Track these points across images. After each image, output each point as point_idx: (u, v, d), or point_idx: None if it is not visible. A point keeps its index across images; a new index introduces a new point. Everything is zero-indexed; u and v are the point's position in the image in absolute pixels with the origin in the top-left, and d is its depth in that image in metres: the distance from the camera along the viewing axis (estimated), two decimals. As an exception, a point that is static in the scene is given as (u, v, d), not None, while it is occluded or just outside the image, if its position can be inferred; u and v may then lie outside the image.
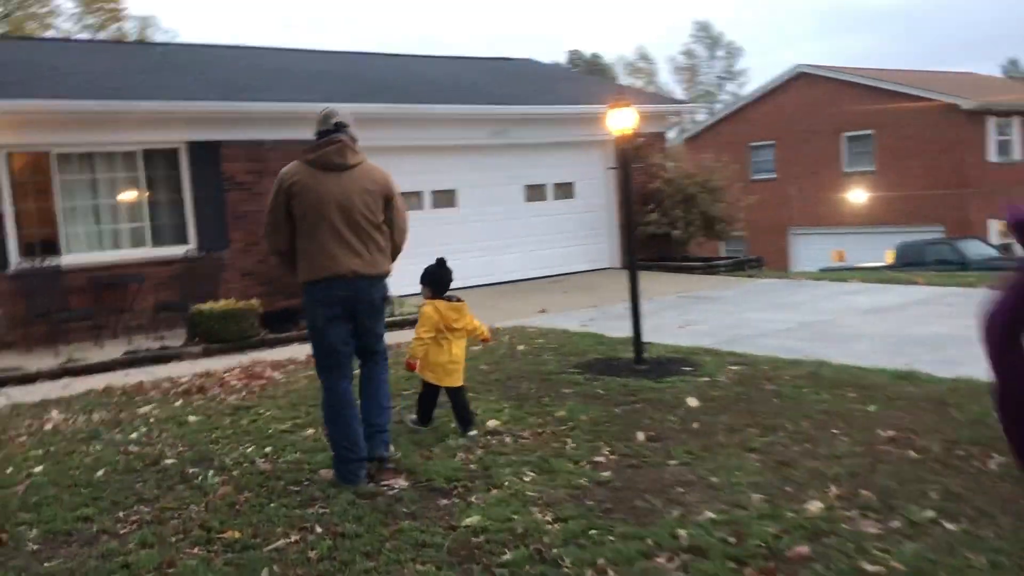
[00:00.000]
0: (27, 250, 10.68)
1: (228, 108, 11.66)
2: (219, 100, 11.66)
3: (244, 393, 7.20)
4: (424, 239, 13.53)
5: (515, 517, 4.10)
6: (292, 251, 4.71)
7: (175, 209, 11.67)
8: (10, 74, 11.47)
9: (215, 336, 9.42)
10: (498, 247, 14.56)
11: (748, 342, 8.29)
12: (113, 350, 9.78)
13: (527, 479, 4.67)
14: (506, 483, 4.60)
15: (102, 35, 31.81)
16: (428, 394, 5.61)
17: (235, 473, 5.02)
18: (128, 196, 11.42)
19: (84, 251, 11.06)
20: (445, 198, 14.17)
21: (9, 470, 5.35)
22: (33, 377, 8.44)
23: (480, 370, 7.48)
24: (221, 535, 4.08)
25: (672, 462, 4.86)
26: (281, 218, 4.64)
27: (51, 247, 10.83)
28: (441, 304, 5.36)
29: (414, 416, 5.77)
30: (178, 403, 6.99)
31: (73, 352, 9.67)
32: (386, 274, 4.79)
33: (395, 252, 4.88)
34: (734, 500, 4.23)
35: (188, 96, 11.62)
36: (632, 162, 7.36)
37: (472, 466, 4.91)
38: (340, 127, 4.64)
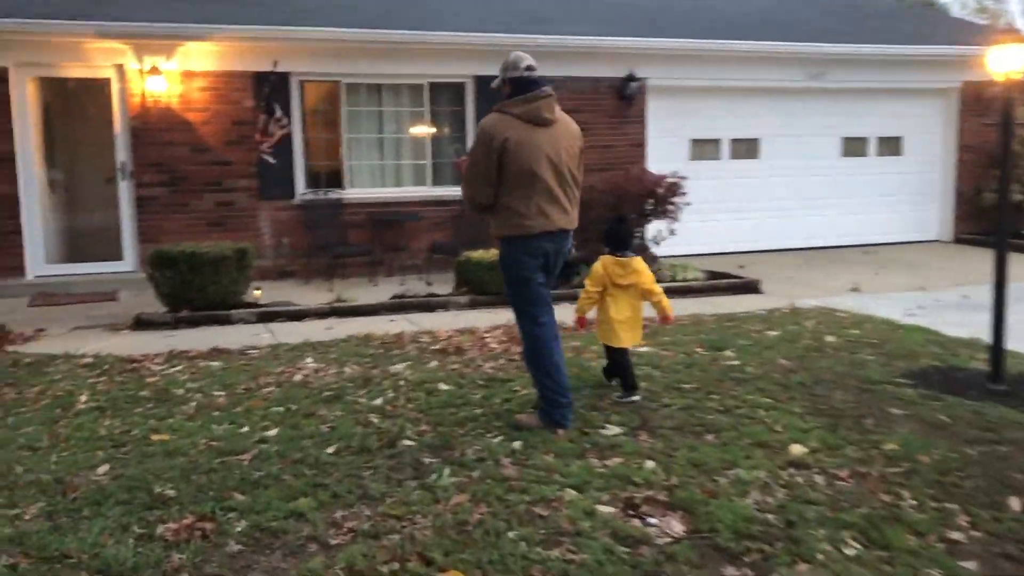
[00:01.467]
0: (312, 181, 10.65)
1: (515, 41, 10.80)
2: (506, 32, 10.86)
3: (502, 360, 6.40)
4: (720, 194, 12.15)
5: (837, 627, 2.85)
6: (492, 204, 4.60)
7: (457, 147, 11.16)
8: (308, 2, 11.41)
9: (482, 287, 8.76)
10: (803, 207, 12.79)
11: None
12: (385, 290, 9.48)
13: (849, 552, 3.38)
14: (819, 555, 3.34)
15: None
16: (612, 357, 5.36)
17: (475, 474, 4.16)
18: (412, 131, 11.05)
19: (366, 186, 10.88)
20: (746, 148, 12.59)
21: (244, 430, 4.89)
22: (301, 314, 8.24)
23: (778, 365, 6.12)
24: (442, 574, 3.21)
25: (1075, 561, 3.33)
26: (493, 174, 4.46)
27: (334, 179, 10.73)
28: (608, 260, 5.20)
29: (619, 392, 5.33)
30: (432, 364, 6.33)
31: (347, 289, 9.47)
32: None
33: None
34: None
35: (478, 27, 10.94)
36: (1009, 116, 5.53)
37: (771, 516, 3.68)
38: (533, 73, 4.50)
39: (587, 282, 5.19)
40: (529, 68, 4.48)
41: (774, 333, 7.20)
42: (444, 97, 11.09)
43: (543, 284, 4.67)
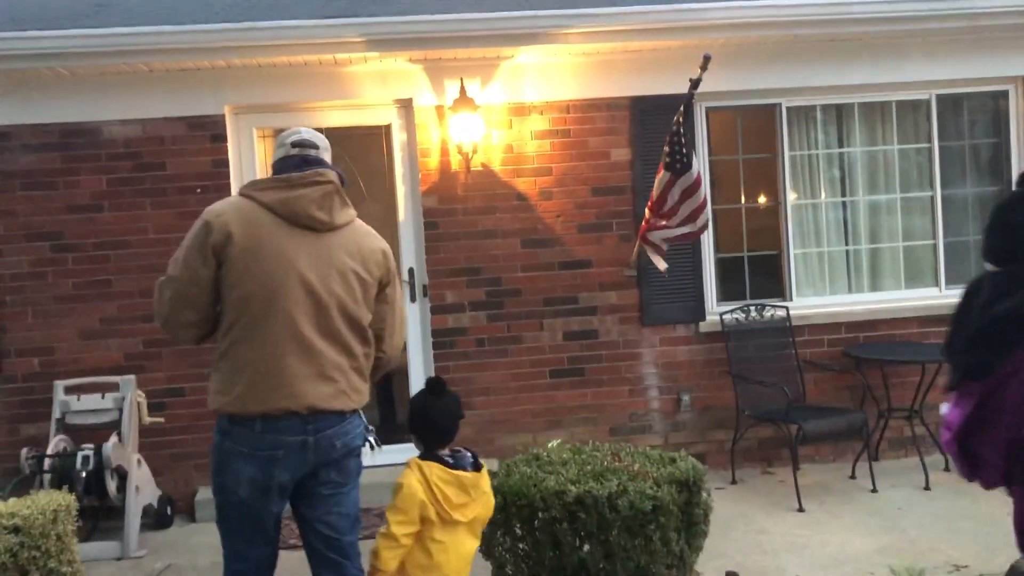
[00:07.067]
0: (729, 287, 5.92)
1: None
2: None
3: None
4: None
5: None
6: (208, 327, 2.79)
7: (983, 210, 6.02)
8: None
9: None
10: None
11: None
12: (912, 503, 4.49)
13: None
14: None
15: None
16: None
17: None
18: (905, 187, 6.04)
19: (823, 292, 5.99)
20: None
21: None
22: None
23: None
24: None
25: None
26: (200, 289, 2.70)
27: (768, 283, 5.97)
28: (436, 471, 2.83)
29: None
30: None
31: (826, 499, 4.61)
32: (360, 407, 2.82)
33: (381, 370, 2.96)
34: None
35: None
36: None
37: None
38: (307, 151, 2.82)
39: (392, 516, 2.80)
40: (300, 144, 2.82)
41: None
42: (962, 121, 6.04)
43: (275, 531, 2.78)
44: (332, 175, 2.78)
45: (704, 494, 3.49)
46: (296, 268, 2.66)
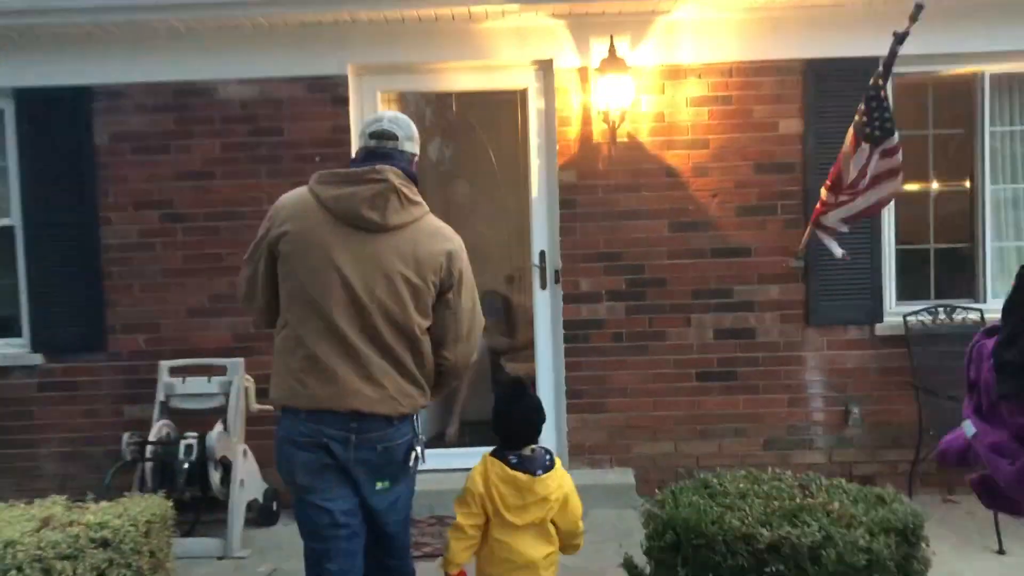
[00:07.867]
0: (909, 284, 5.12)
1: None
2: None
3: None
4: None
5: None
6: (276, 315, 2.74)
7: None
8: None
9: None
10: None
11: None
12: None
13: None
14: None
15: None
16: None
17: None
18: None
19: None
20: None
21: None
22: None
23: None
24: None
25: None
26: (259, 279, 2.72)
27: (954, 280, 5.14)
28: (496, 470, 2.88)
29: None
30: None
31: (1020, 532, 3.78)
32: (414, 413, 2.71)
33: (448, 377, 2.81)
34: None
35: None
36: None
37: None
38: (383, 144, 2.70)
39: (457, 507, 2.93)
40: (377, 136, 2.70)
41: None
42: None
43: (349, 519, 2.63)
44: (390, 172, 2.61)
45: (923, 545, 2.79)
46: (339, 270, 2.60)
